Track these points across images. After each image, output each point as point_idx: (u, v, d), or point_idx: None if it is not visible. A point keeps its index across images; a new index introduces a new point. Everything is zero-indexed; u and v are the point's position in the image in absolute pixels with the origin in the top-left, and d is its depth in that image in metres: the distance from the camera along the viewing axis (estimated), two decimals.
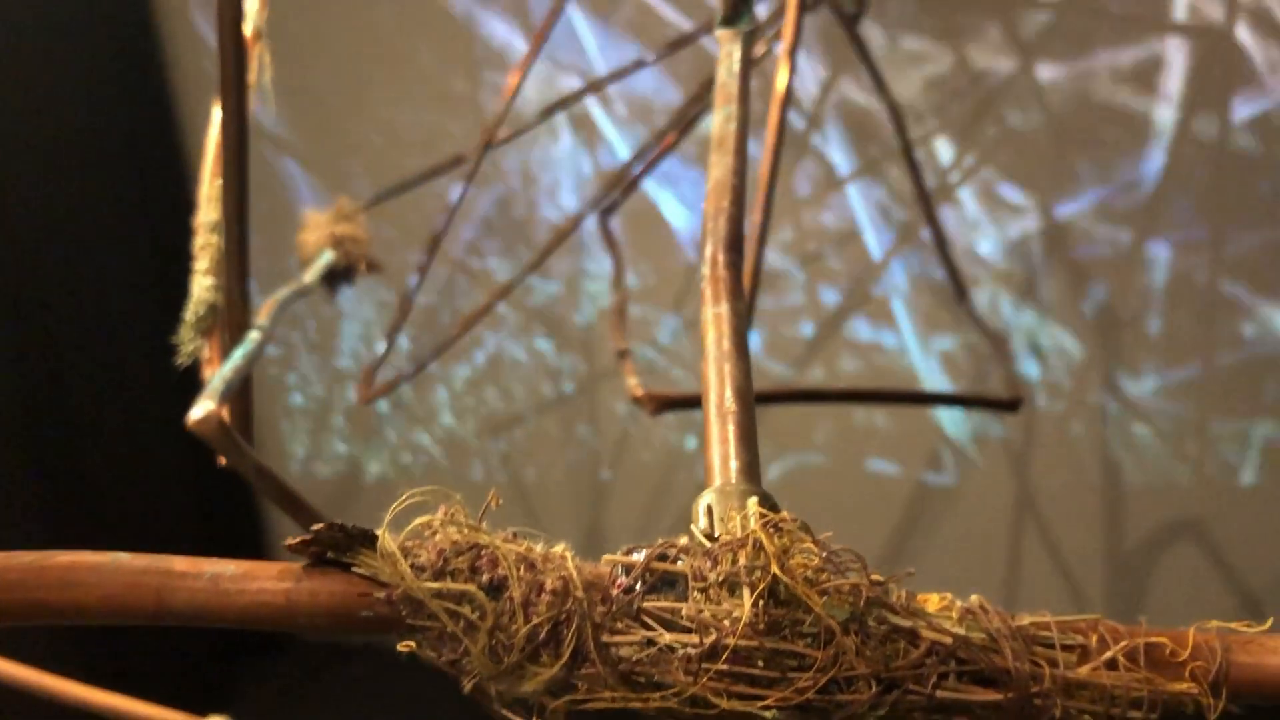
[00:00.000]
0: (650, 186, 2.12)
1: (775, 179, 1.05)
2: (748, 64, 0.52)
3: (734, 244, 0.46)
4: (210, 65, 2.31)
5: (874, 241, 2.08)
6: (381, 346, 1.42)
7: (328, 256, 1.11)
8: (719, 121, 0.50)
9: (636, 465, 2.31)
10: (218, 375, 0.68)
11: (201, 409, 0.64)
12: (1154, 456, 2.03)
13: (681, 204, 2.15)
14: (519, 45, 2.14)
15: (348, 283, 1.18)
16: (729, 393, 0.41)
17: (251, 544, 2.51)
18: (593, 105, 2.13)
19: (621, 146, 2.13)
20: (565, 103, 1.68)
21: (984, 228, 2.00)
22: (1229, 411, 1.96)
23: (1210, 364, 1.95)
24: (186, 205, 0.97)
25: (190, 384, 0.92)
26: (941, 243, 1.61)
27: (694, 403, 1.47)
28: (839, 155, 2.06)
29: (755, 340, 2.18)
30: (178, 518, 2.37)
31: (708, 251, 0.47)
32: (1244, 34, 1.79)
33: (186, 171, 2.31)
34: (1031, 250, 1.99)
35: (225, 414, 0.66)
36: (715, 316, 0.44)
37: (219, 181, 0.95)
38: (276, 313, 0.83)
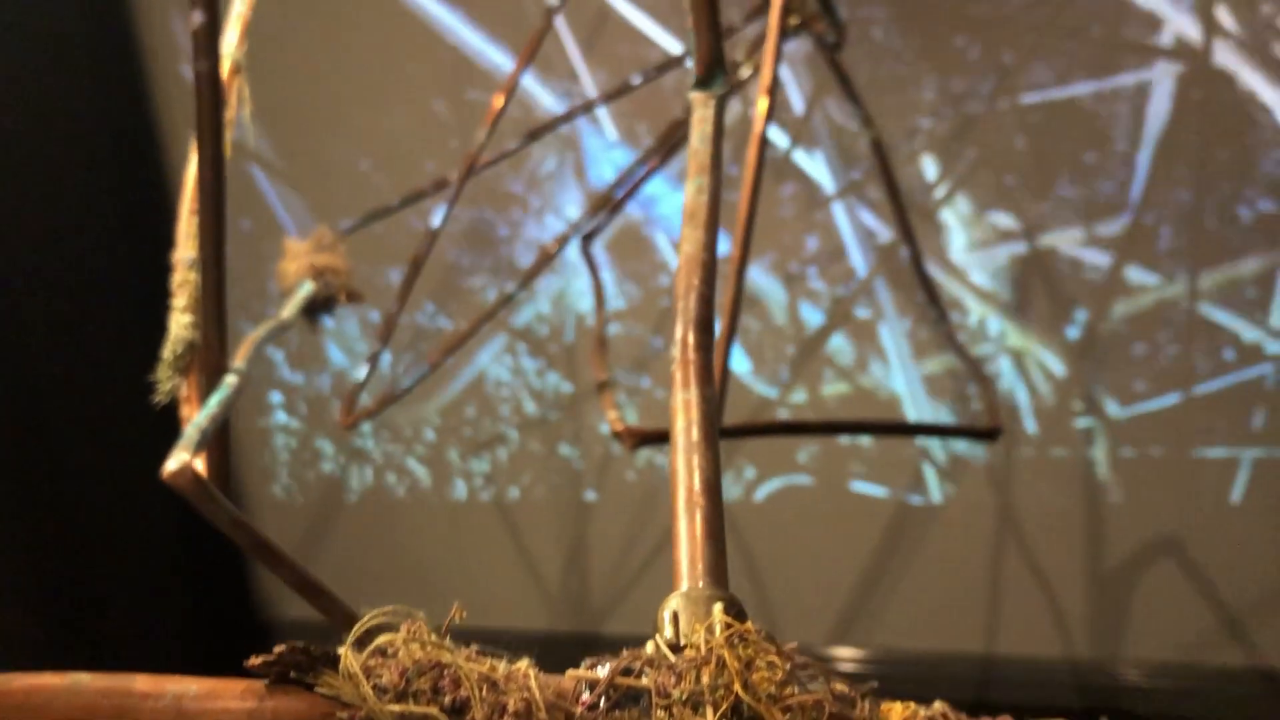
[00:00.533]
0: (639, 200, 2.12)
1: (755, 206, 1.05)
2: (720, 130, 0.51)
3: (705, 324, 0.45)
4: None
5: (859, 261, 2.08)
6: (363, 370, 1.41)
7: (307, 288, 1.10)
8: (690, 192, 0.48)
9: (620, 485, 2.30)
10: (193, 424, 0.67)
11: (176, 461, 0.63)
12: (1138, 477, 2.04)
13: (670, 222, 2.15)
14: (503, 61, 2.14)
15: (328, 313, 1.17)
16: (698, 485, 0.40)
17: (238, 581, 2.50)
18: (579, 122, 2.13)
19: (607, 165, 2.13)
20: (550, 126, 1.68)
21: (968, 250, 2.00)
22: (1214, 435, 1.97)
23: (1195, 387, 1.96)
24: (169, 238, 0.96)
25: (173, 422, 0.92)
26: (920, 268, 1.62)
27: None
28: (824, 173, 2.06)
29: (740, 361, 2.18)
30: (163, 560, 2.36)
31: (678, 333, 0.46)
32: (1228, 59, 1.80)
33: (170, 204, 2.30)
34: (1015, 272, 1.99)
35: (201, 464, 0.66)
36: (685, 403, 0.43)
37: (198, 219, 0.94)
38: (254, 354, 0.82)
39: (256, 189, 2.32)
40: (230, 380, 0.75)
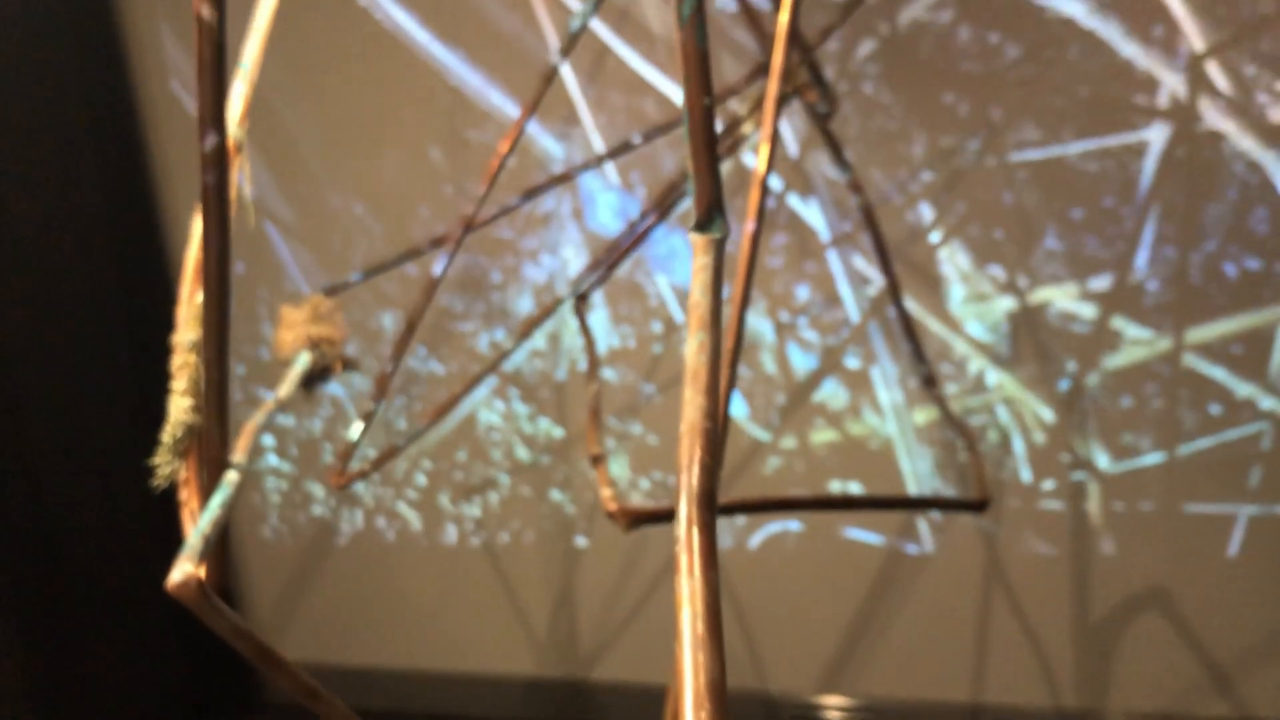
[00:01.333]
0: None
1: (755, 260, 1.06)
2: (719, 278, 0.51)
3: (708, 500, 0.44)
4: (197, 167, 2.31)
5: (853, 309, 2.10)
6: (357, 428, 1.41)
7: (304, 362, 1.11)
8: (692, 350, 0.47)
9: (610, 531, 2.30)
10: (196, 531, 0.68)
11: (180, 572, 0.63)
12: (1131, 530, 2.05)
13: (664, 263, 2.16)
14: (502, 102, 2.15)
15: (323, 383, 1.17)
16: (704, 685, 0.40)
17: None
18: (576, 162, 2.14)
19: (605, 207, 2.14)
20: (550, 184, 1.69)
21: (964, 302, 2.02)
22: (1210, 491, 1.98)
23: (1190, 443, 1.97)
24: (169, 317, 0.97)
25: (170, 502, 0.92)
26: (910, 331, 1.63)
27: (668, 517, 1.48)
28: (819, 220, 2.07)
29: (734, 405, 2.19)
30: (164, 646, 2.36)
31: (681, 510, 0.45)
32: (1214, 118, 1.82)
33: (170, 277, 2.32)
34: (1009, 325, 2.01)
35: (204, 572, 0.66)
36: (690, 592, 0.42)
37: (198, 299, 0.95)
38: (254, 443, 0.83)
39: (251, 233, 2.32)
40: (231, 478, 0.75)
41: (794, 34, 1.12)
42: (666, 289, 2.16)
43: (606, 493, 1.13)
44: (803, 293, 2.10)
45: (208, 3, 0.69)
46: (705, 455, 0.44)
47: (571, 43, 1.51)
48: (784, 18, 1.08)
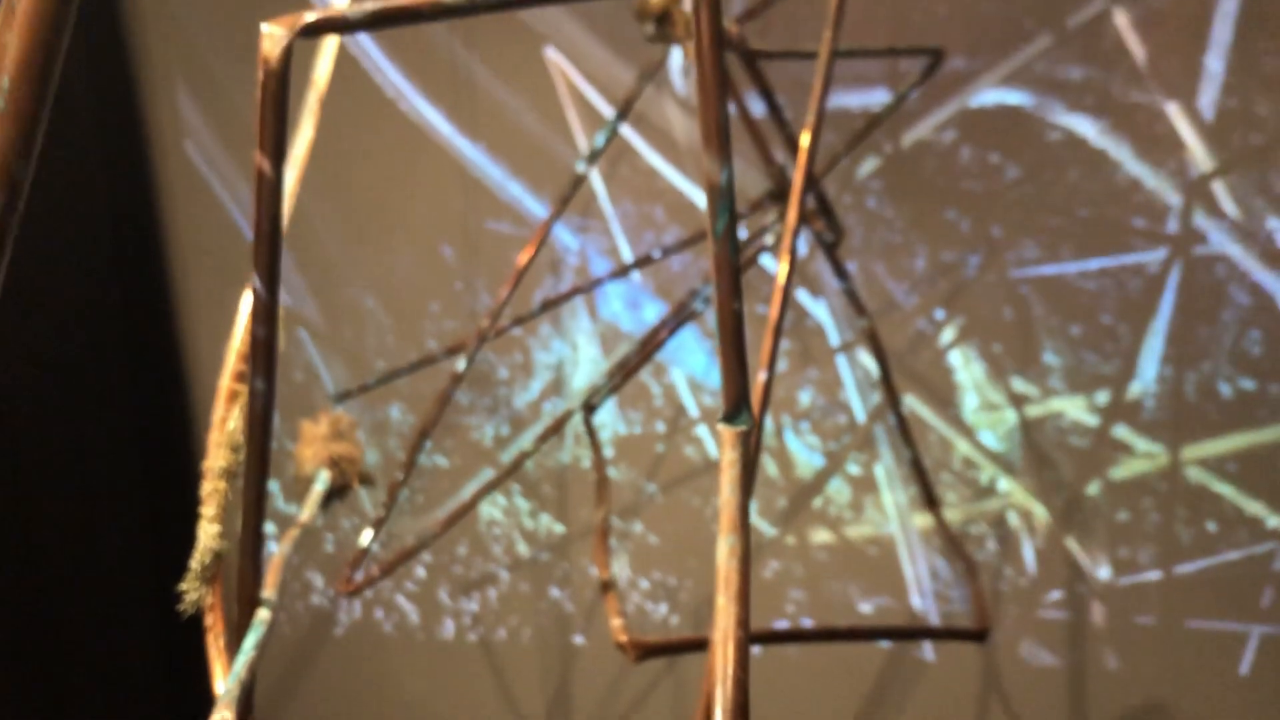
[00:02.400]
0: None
1: (775, 365, 1.09)
2: (750, 475, 0.52)
3: (741, 715, 0.45)
4: (217, 277, 2.35)
5: (859, 410, 2.12)
6: (366, 535, 1.43)
7: (324, 482, 1.13)
8: (722, 554, 0.48)
9: (609, 630, 2.30)
10: (232, 676, 0.69)
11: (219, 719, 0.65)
12: (1137, 645, 2.05)
13: (670, 355, 2.19)
14: (522, 195, 2.20)
15: (340, 499, 1.19)
16: None
17: None
18: (591, 253, 2.17)
19: (617, 298, 2.17)
20: (566, 298, 1.73)
21: (975, 411, 2.05)
22: (1220, 609, 1.99)
23: (1195, 560, 1.99)
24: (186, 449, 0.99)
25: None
26: (912, 445, 1.66)
27: (678, 649, 1.48)
28: (829, 321, 2.11)
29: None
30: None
31: None
32: (1212, 240, 1.87)
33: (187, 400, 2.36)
34: (1016, 435, 2.04)
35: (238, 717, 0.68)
36: None
37: (230, 427, 0.97)
38: (283, 577, 0.85)
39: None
40: (264, 616, 0.77)
41: (810, 175, 1.17)
42: (677, 378, 2.19)
43: (616, 623, 1.14)
44: (806, 396, 2.13)
45: (269, 158, 0.71)
46: (739, 669, 0.45)
47: (597, 155, 1.55)
48: (802, 161, 1.13)
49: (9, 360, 2.05)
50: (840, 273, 1.49)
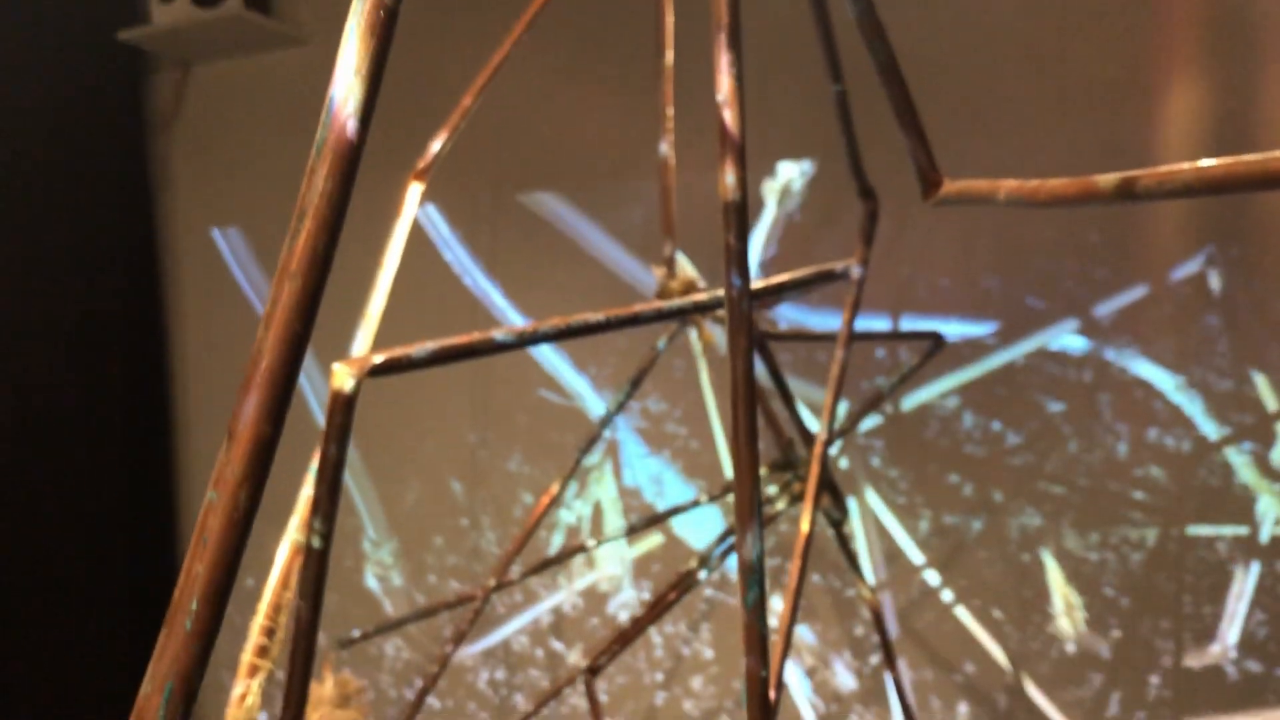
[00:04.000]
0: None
1: (794, 620, 1.09)
2: None
3: None
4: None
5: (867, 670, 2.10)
6: None
7: None
8: None
9: None
10: None
11: None
12: None
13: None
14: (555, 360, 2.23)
15: None
16: None
17: None
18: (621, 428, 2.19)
19: (643, 471, 2.18)
20: (577, 551, 1.74)
21: (965, 665, 2.03)
22: None
23: None
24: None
25: None
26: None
27: None
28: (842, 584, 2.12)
29: None
30: None
31: None
32: (1206, 519, 1.90)
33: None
34: (1005, 679, 2.02)
35: None
36: None
37: (248, 702, 0.98)
38: None
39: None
40: None
41: (825, 463, 1.21)
42: (673, 642, 2.18)
43: None
44: (840, 629, 2.12)
45: (321, 519, 0.75)
46: None
47: (610, 417, 1.60)
48: (819, 452, 1.17)
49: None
50: (848, 555, 1.51)
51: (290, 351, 0.34)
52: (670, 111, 1.43)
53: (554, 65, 2.24)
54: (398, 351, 0.73)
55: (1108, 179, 0.54)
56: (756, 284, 0.93)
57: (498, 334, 0.79)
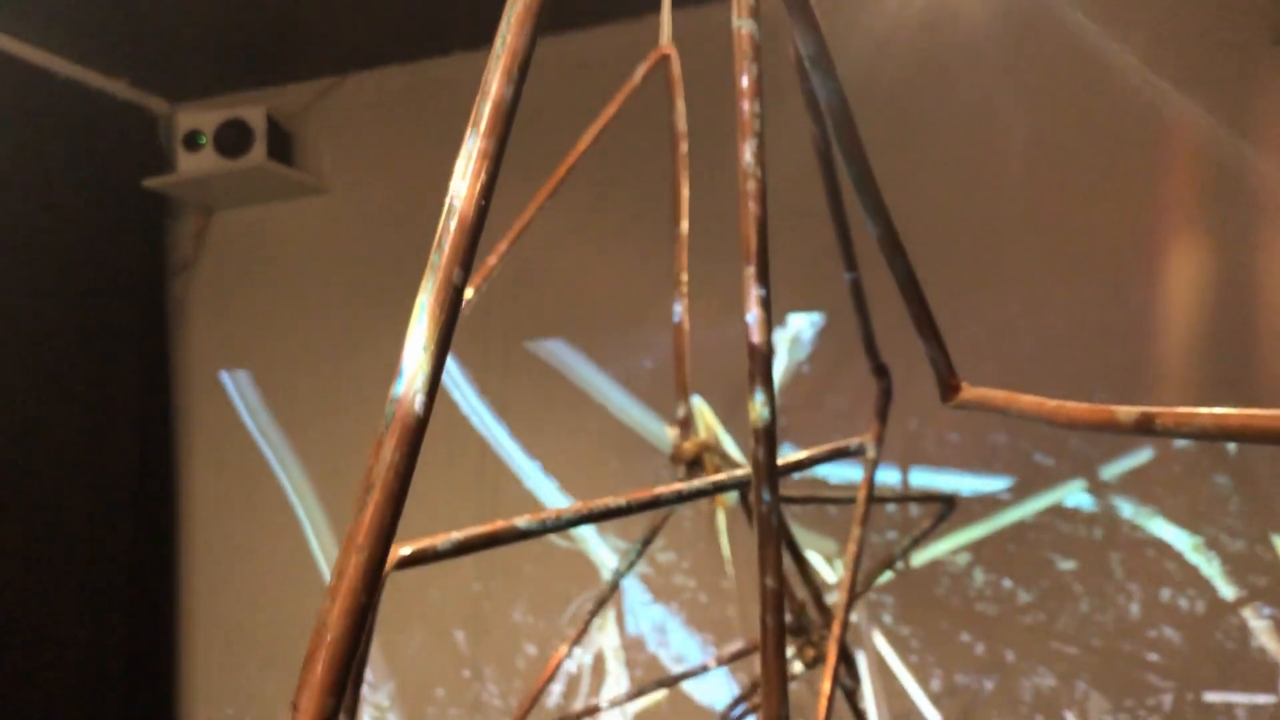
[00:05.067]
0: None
1: None
2: None
3: None
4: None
5: None
6: None
7: None
8: None
9: None
10: None
11: None
12: None
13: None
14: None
15: None
16: None
17: None
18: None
19: (646, 618, 2.14)
20: (592, 713, 1.72)
21: None
22: None
23: None
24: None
25: None
26: None
27: None
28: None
29: None
30: None
31: None
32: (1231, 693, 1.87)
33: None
34: None
35: None
36: None
37: None
38: None
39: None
40: None
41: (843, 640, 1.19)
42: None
43: None
44: None
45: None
46: None
47: (617, 583, 1.59)
48: (837, 631, 1.16)
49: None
50: (856, 714, 1.48)
51: (355, 624, 0.35)
52: (685, 277, 1.46)
53: (566, 216, 2.30)
54: (424, 543, 0.73)
55: (1128, 411, 0.56)
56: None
57: (520, 522, 0.79)
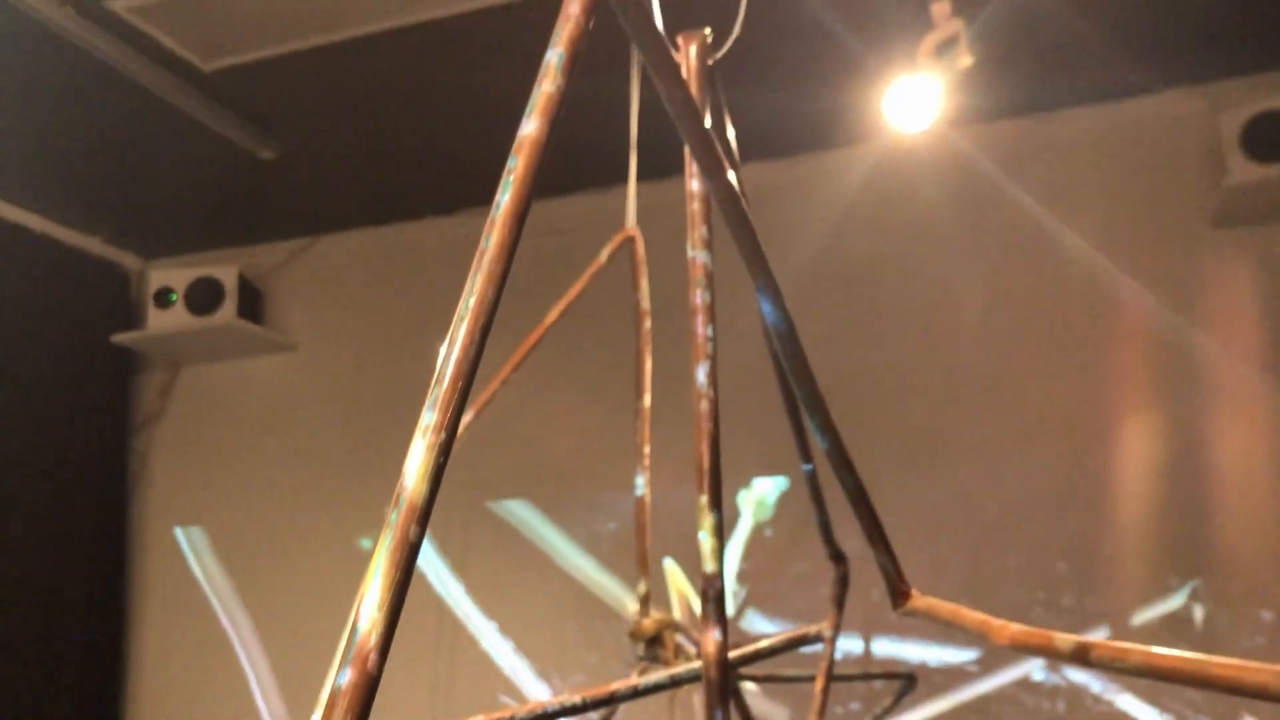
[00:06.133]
0: None
1: None
2: None
3: None
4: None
5: None
6: None
7: None
8: None
9: None
10: None
11: None
12: None
13: None
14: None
15: None
16: None
17: None
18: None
19: None
20: None
21: None
22: None
23: None
24: None
25: None
26: None
27: None
28: None
29: None
30: None
31: None
32: None
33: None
34: None
35: None
36: None
37: None
38: None
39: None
40: None
41: None
42: None
43: None
44: None
45: None
46: None
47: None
48: None
49: None
50: None
51: None
52: (647, 449, 1.47)
53: (530, 377, 2.33)
54: None
55: (1065, 639, 0.57)
56: (733, 654, 0.93)
57: None
